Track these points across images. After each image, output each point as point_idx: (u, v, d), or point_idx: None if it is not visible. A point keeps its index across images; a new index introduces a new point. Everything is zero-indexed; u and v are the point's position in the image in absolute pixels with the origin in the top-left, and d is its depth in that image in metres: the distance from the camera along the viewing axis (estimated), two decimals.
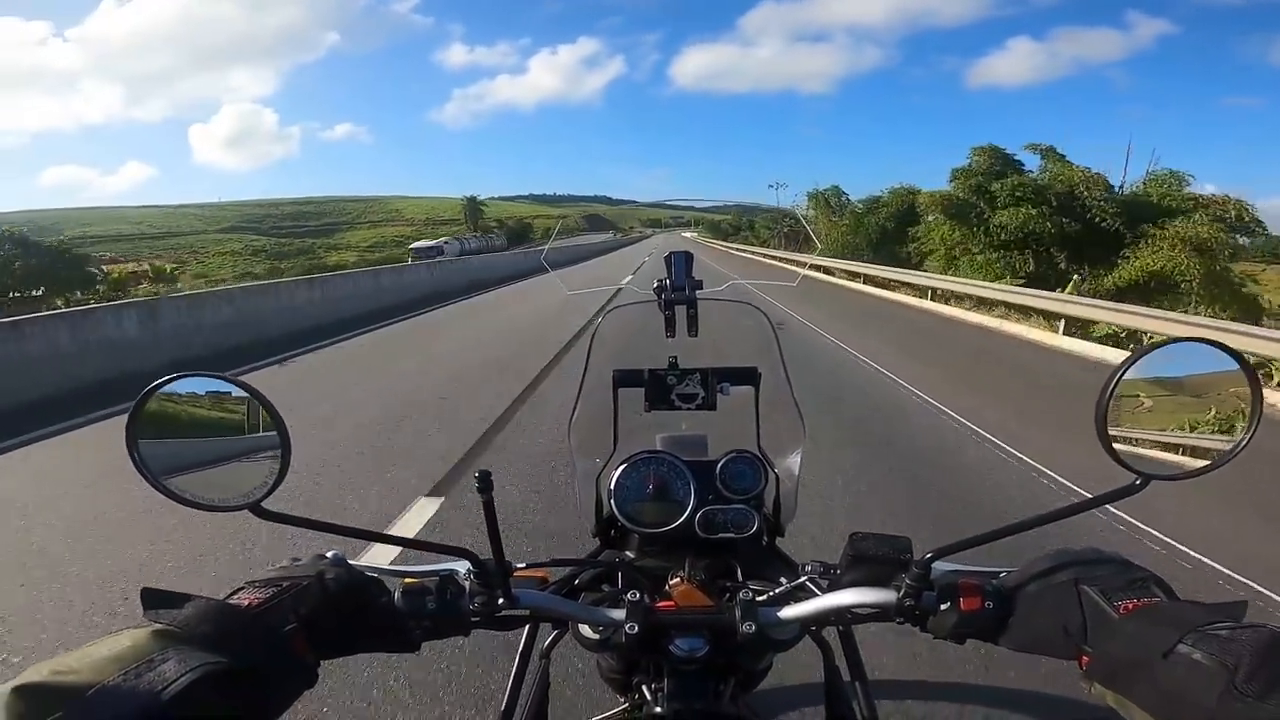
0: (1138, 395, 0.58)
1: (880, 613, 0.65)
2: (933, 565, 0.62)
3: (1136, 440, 0.58)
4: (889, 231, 26.73)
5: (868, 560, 0.67)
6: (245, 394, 0.57)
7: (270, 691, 0.50)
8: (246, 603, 0.54)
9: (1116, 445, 0.56)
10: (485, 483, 0.62)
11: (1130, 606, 0.53)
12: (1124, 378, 0.55)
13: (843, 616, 0.68)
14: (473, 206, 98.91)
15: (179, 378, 0.55)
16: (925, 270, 19.71)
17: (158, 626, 0.47)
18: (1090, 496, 0.59)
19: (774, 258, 33.59)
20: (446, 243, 52.86)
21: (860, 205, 30.92)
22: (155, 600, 0.51)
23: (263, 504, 0.57)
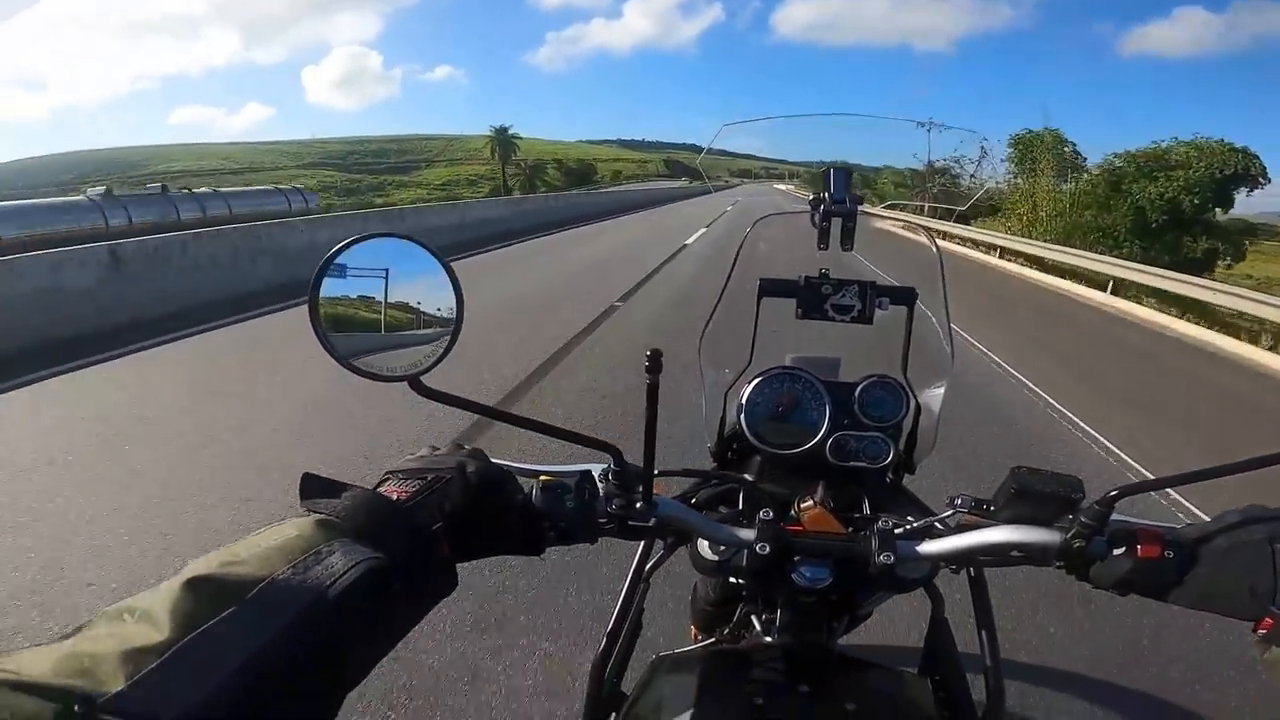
0: None
1: (1036, 555, 0.60)
2: (1114, 507, 0.56)
3: None
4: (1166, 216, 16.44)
5: (1032, 496, 0.62)
6: (433, 259, 0.55)
7: (419, 590, 0.49)
8: (397, 496, 0.53)
9: None
10: (655, 363, 0.55)
11: None
12: None
13: (994, 555, 0.63)
14: (503, 144, 77.72)
15: (369, 238, 0.54)
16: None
17: (320, 516, 0.46)
18: None
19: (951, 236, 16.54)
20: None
21: (1116, 164, 18.18)
22: (314, 488, 0.50)
23: (422, 379, 0.54)
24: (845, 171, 0.87)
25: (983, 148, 21.57)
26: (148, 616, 0.36)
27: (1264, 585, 0.51)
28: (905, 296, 0.91)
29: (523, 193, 44.75)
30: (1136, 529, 0.57)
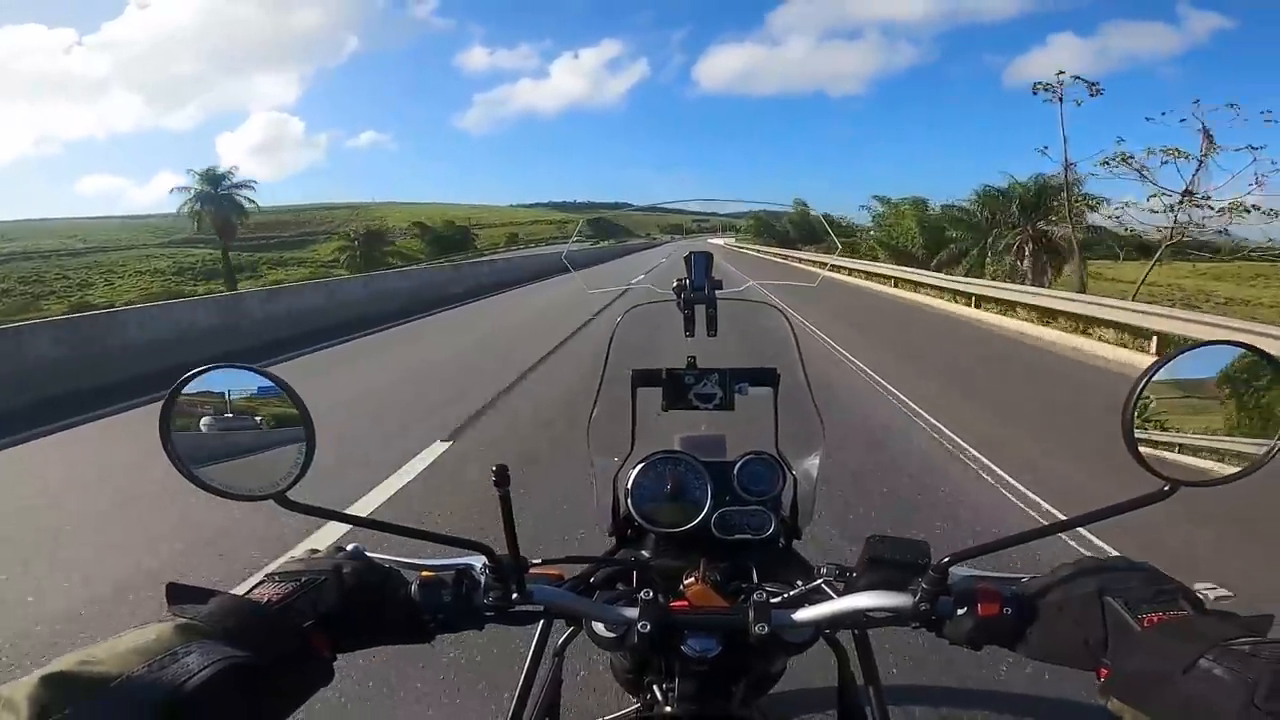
0: (1165, 399, 0.57)
1: (896, 616, 0.64)
2: (950, 570, 0.61)
3: (1163, 445, 0.57)
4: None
5: (884, 563, 0.66)
6: (273, 385, 0.58)
7: (288, 687, 0.51)
8: (267, 599, 0.55)
9: (1144, 450, 0.55)
10: (502, 477, 0.61)
11: (1154, 620, 0.52)
12: (1152, 381, 0.55)
13: (858, 619, 0.68)
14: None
15: (211, 369, 0.57)
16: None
17: (182, 621, 0.48)
18: (1114, 504, 0.57)
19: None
20: None
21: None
22: (180, 595, 0.52)
23: (288, 494, 0.57)
24: (705, 257, 0.93)
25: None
26: (10, 705, 0.37)
27: (1095, 636, 0.54)
28: (766, 377, 0.97)
29: (354, 270, 38.35)
30: (977, 588, 0.61)
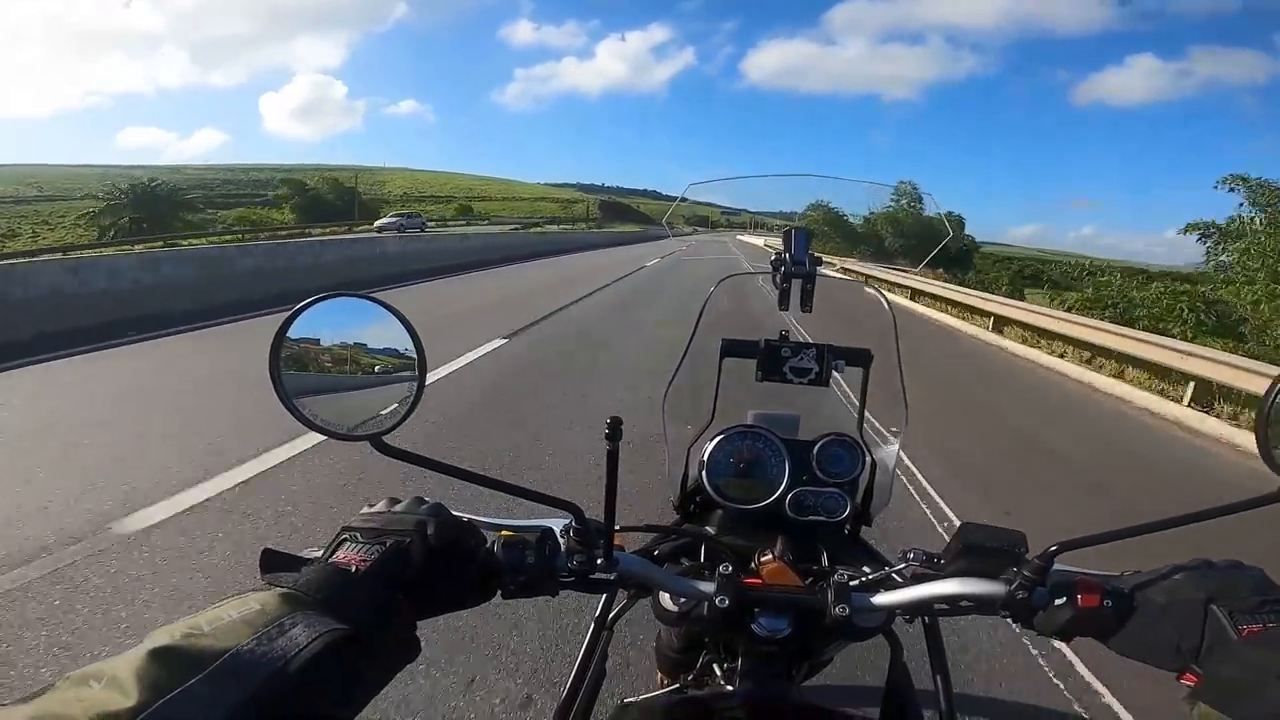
0: None
1: (984, 605, 0.63)
2: (1054, 561, 0.59)
3: None
4: None
5: (978, 551, 0.65)
6: (393, 318, 0.56)
7: (382, 660, 0.50)
8: (355, 565, 0.54)
9: (1276, 452, 0.53)
10: (615, 430, 0.57)
11: (1254, 630, 0.51)
12: None
13: (945, 606, 0.66)
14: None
15: (327, 298, 0.55)
16: None
17: (283, 590, 0.47)
18: (1232, 501, 0.55)
19: None
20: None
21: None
22: (273, 563, 0.52)
23: (385, 438, 0.56)
24: (805, 233, 0.92)
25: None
26: (115, 683, 0.36)
27: (1190, 642, 0.54)
28: (861, 358, 0.95)
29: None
30: (1077, 579, 0.60)
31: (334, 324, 0.56)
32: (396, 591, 0.54)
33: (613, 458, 0.59)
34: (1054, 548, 0.59)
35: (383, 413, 0.57)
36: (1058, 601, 0.60)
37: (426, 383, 0.58)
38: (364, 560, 0.55)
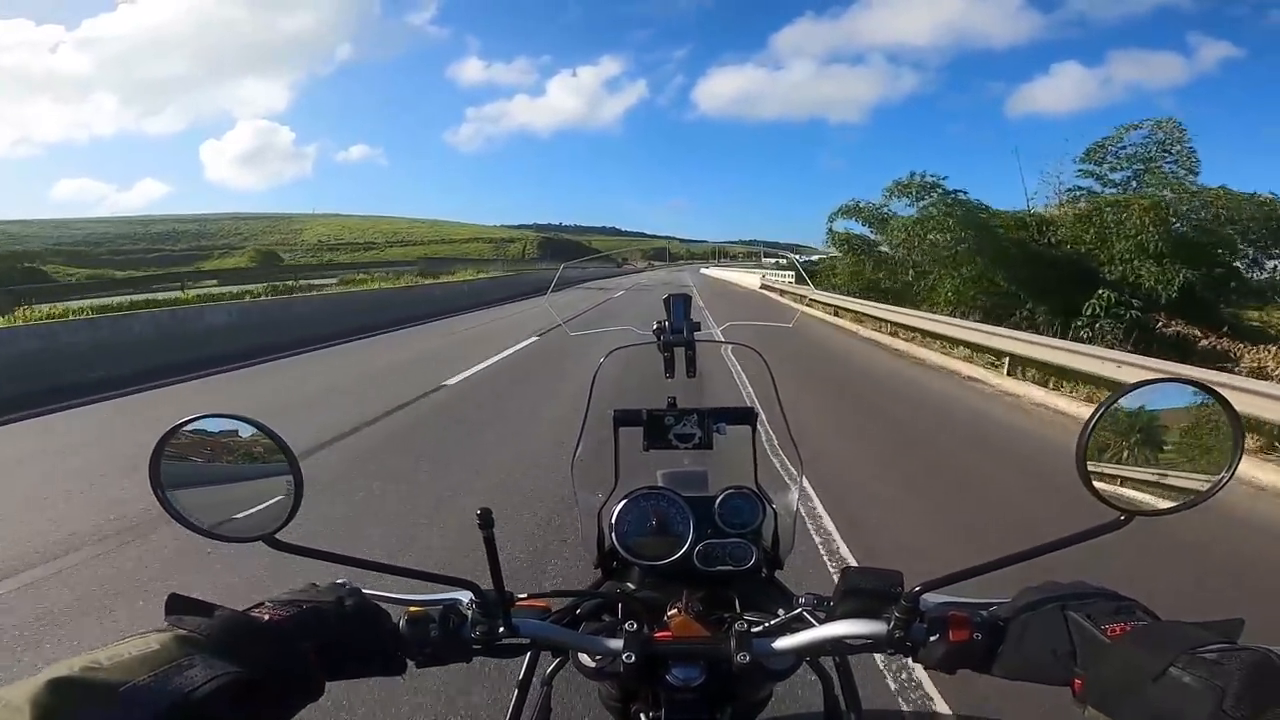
0: (1119, 432, 0.60)
1: (872, 643, 0.67)
2: (922, 598, 0.64)
3: (1116, 478, 0.60)
4: None
5: (859, 593, 0.68)
6: (260, 433, 0.60)
7: (280, 704, 0.52)
8: (268, 618, 0.57)
9: (1097, 484, 0.58)
10: (486, 519, 0.64)
11: (1118, 630, 0.54)
12: (1104, 415, 0.58)
13: (836, 647, 0.70)
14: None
15: (201, 417, 0.59)
16: None
17: (182, 632, 0.49)
18: (1072, 534, 0.60)
19: None
20: None
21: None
22: (179, 606, 0.53)
23: (276, 535, 0.60)
24: (684, 299, 0.96)
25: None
26: (10, 708, 0.37)
27: (1063, 648, 0.56)
28: (744, 416, 1.00)
29: None
30: (948, 615, 0.64)
31: (209, 441, 0.60)
32: (307, 643, 0.56)
33: (490, 543, 0.65)
34: (918, 587, 0.63)
35: (267, 515, 0.61)
36: (933, 637, 0.64)
37: None
38: (277, 615, 0.57)
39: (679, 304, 0.96)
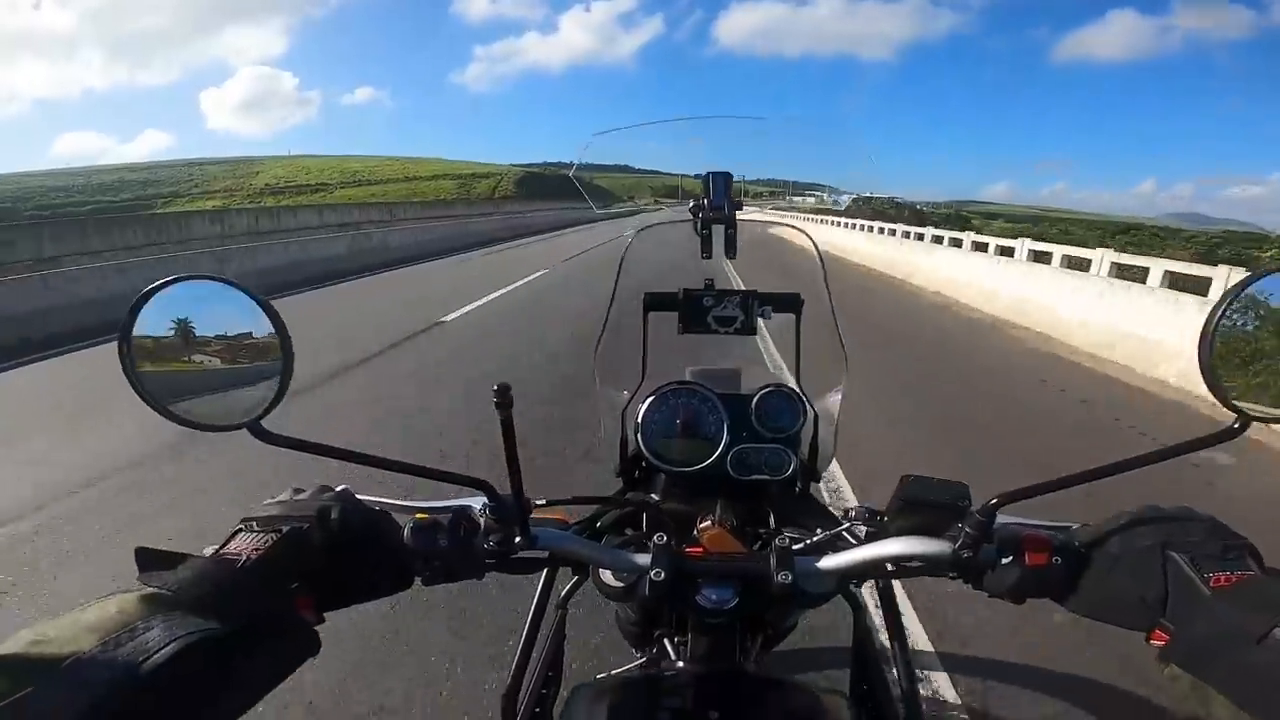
0: (1242, 328, 0.51)
1: (931, 566, 0.60)
2: (996, 515, 0.56)
3: (1234, 379, 0.51)
4: None
5: (920, 506, 0.61)
6: (249, 299, 0.51)
7: (269, 658, 0.47)
8: (245, 557, 0.50)
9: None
10: (504, 397, 0.52)
11: (1223, 580, 0.48)
12: (1230, 309, 0.49)
13: (889, 569, 0.63)
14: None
15: (174, 281, 0.50)
16: None
17: (148, 590, 0.44)
18: (1183, 441, 0.52)
19: None
20: None
21: None
22: (149, 561, 0.47)
23: (261, 422, 0.51)
24: (725, 176, 0.86)
25: None
26: None
27: (1155, 594, 0.50)
28: (789, 302, 0.90)
29: None
30: (1024, 535, 0.56)
31: (186, 312, 0.52)
32: (292, 582, 0.51)
33: (507, 425, 0.54)
34: (995, 500, 0.55)
35: (255, 398, 0.53)
36: (1004, 560, 0.56)
37: None
38: (256, 550, 0.51)
39: (719, 180, 0.86)
